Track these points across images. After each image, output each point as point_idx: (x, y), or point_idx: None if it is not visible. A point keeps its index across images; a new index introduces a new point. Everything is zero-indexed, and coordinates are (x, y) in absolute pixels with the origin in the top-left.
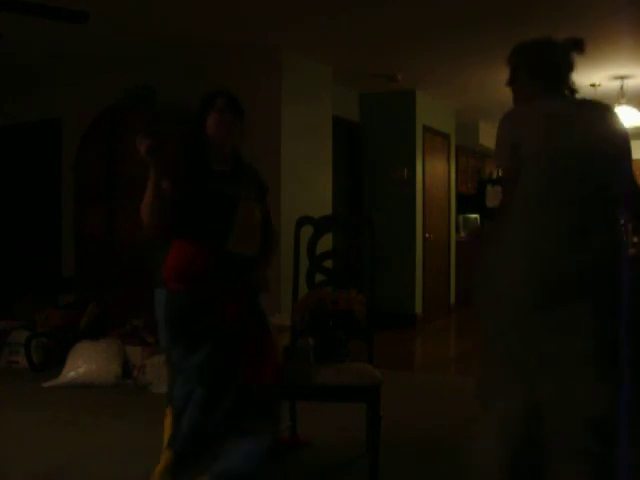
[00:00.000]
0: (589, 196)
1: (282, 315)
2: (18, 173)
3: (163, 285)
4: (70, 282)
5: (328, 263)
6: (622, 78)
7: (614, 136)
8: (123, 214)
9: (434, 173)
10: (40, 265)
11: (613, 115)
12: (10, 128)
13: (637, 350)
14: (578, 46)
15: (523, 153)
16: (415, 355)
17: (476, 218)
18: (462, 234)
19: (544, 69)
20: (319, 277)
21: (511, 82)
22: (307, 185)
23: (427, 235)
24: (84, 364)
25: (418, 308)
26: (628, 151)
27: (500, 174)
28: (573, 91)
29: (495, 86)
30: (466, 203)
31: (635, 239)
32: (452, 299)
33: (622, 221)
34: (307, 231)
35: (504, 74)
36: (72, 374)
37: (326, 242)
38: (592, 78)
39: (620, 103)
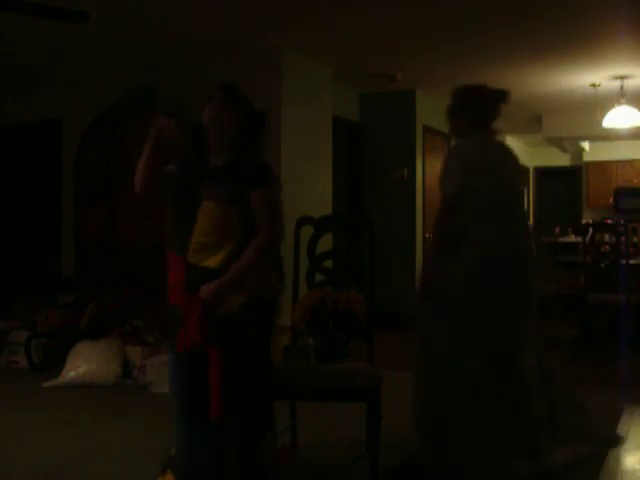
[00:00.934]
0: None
1: (282, 315)
2: (18, 173)
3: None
4: (70, 282)
5: (328, 263)
6: (622, 78)
7: (519, 169)
8: (123, 214)
9: (434, 173)
10: (40, 265)
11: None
12: (10, 128)
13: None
14: (504, 98)
15: (472, 183)
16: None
17: None
18: None
19: (478, 115)
20: (319, 277)
21: (451, 118)
22: (307, 185)
23: (427, 235)
24: (84, 364)
25: None
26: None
27: (445, 197)
28: (494, 133)
29: (495, 86)
30: None
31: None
32: None
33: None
34: (307, 231)
35: (504, 74)
36: (72, 374)
37: (326, 242)
38: (592, 78)
39: (620, 103)
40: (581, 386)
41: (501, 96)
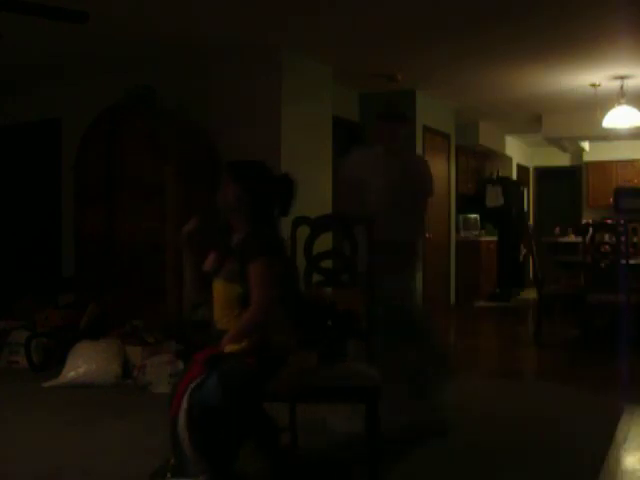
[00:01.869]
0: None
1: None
2: (18, 173)
3: None
4: (70, 282)
5: (328, 263)
6: (622, 78)
7: (415, 173)
8: (123, 214)
9: (434, 173)
10: (40, 265)
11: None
12: (10, 128)
13: None
14: (404, 123)
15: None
16: None
17: (476, 218)
18: (462, 234)
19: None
20: (318, 277)
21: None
22: (307, 185)
23: (427, 235)
24: (84, 364)
25: None
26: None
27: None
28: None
29: (495, 86)
30: (466, 203)
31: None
32: (452, 299)
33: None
34: (305, 231)
35: (504, 74)
36: (72, 374)
37: (326, 242)
38: (592, 78)
39: (620, 103)
40: (581, 386)
41: (403, 121)
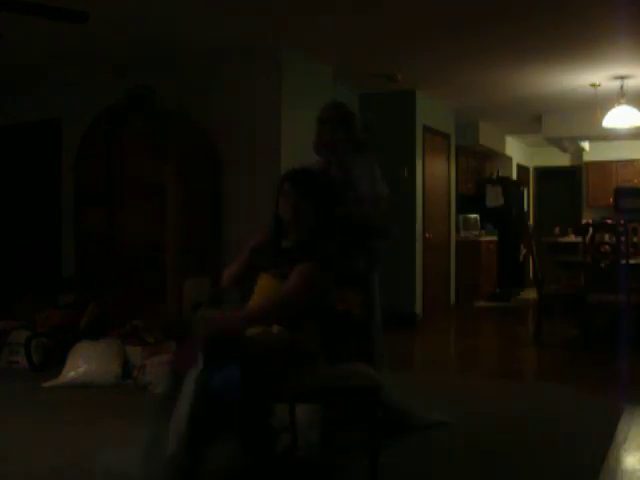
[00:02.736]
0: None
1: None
2: (18, 173)
3: None
4: (70, 282)
5: None
6: (622, 78)
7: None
8: (123, 214)
9: (434, 173)
10: (40, 265)
11: None
12: (10, 128)
13: None
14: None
15: None
16: (415, 355)
17: (476, 218)
18: (462, 234)
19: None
20: None
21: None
22: None
23: (427, 235)
24: (84, 364)
25: (418, 308)
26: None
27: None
28: None
29: (495, 86)
30: (466, 203)
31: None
32: (452, 299)
33: None
34: None
35: (504, 74)
36: (72, 374)
37: None
38: (592, 78)
39: (620, 103)
40: (581, 386)
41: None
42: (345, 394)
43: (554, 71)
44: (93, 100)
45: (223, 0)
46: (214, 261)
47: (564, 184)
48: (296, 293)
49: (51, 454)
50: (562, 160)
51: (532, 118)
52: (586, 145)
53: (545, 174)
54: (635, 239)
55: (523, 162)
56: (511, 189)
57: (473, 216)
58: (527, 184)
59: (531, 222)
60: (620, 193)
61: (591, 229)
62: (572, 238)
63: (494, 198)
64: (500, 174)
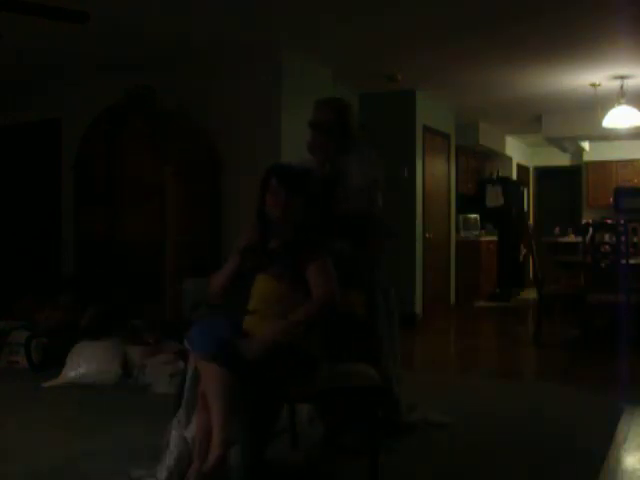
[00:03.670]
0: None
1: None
2: (18, 173)
3: None
4: (70, 282)
5: None
6: (622, 78)
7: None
8: (123, 214)
9: (434, 173)
10: (40, 265)
11: None
12: (10, 128)
13: None
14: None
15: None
16: (415, 354)
17: (476, 218)
18: (462, 234)
19: None
20: None
21: None
22: None
23: (427, 235)
24: (84, 364)
25: (418, 308)
26: None
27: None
28: None
29: (495, 86)
30: (466, 203)
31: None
32: (452, 299)
33: None
34: None
35: (504, 74)
36: (72, 374)
37: None
38: (592, 78)
39: (620, 103)
40: (581, 386)
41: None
42: (345, 394)
43: (554, 71)
44: (93, 100)
45: (223, 0)
46: (214, 261)
47: (564, 184)
48: (336, 291)
49: (51, 454)
50: (562, 160)
51: (532, 118)
52: (586, 145)
53: (545, 174)
54: (635, 239)
55: (523, 162)
56: (511, 189)
57: (473, 216)
58: (527, 184)
59: (531, 222)
60: (620, 193)
61: (591, 229)
62: (572, 238)
63: (494, 198)
64: (500, 174)
